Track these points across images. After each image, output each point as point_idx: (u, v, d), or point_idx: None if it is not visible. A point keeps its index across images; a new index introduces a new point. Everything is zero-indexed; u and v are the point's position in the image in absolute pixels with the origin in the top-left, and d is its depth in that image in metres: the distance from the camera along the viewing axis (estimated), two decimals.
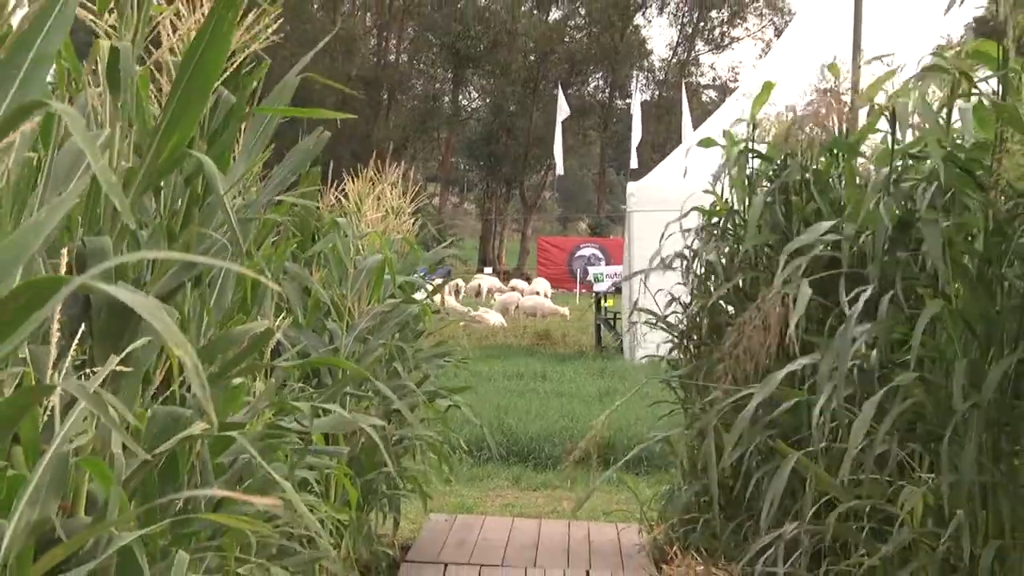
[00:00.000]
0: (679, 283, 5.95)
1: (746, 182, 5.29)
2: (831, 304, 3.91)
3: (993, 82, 3.40)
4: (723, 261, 5.47)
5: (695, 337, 6.24)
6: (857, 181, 4.51)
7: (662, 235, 5.89)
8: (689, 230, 5.86)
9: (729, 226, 5.54)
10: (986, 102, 3.29)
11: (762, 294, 3.93)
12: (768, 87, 5.45)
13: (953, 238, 3.17)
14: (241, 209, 3.78)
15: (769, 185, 5.12)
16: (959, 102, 3.46)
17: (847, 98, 4.72)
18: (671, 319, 6.41)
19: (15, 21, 2.24)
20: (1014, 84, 3.16)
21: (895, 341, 3.41)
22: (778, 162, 5.10)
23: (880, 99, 4.18)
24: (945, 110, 3.54)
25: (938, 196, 3.28)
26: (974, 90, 3.38)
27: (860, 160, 4.62)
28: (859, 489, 3.47)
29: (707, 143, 5.91)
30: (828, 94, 4.65)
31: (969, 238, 3.27)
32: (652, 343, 7.44)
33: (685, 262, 5.95)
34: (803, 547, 4.06)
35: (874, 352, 3.37)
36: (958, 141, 3.44)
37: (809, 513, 3.82)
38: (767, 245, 4.94)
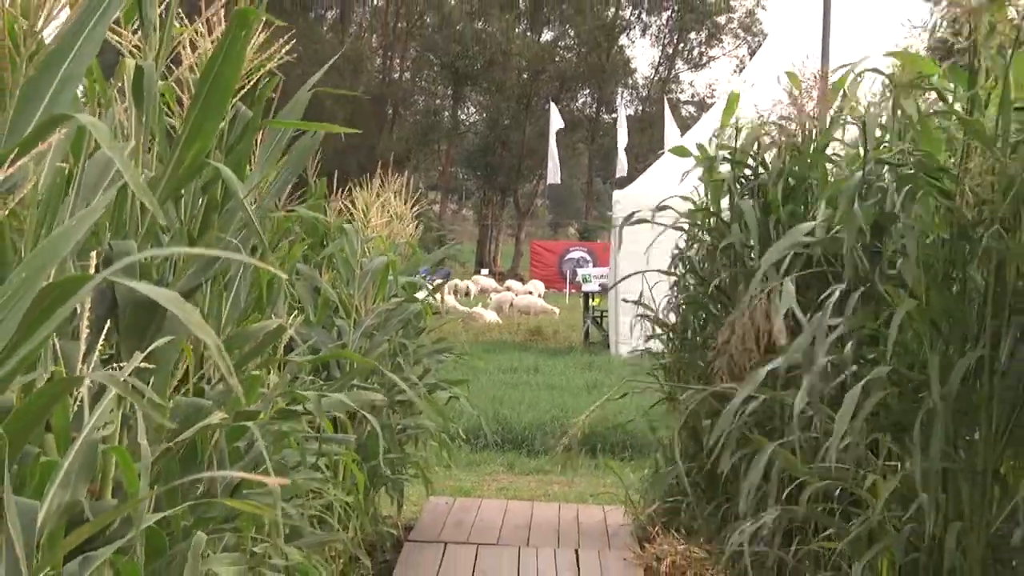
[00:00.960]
0: (667, 277, 5.94)
1: (720, 185, 5.29)
2: (807, 302, 3.92)
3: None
4: (704, 261, 5.47)
5: (680, 331, 6.24)
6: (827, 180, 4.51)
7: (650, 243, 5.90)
8: (674, 228, 5.85)
9: (708, 226, 5.54)
10: (955, 117, 3.29)
11: (749, 293, 3.93)
12: (734, 98, 5.46)
13: (922, 241, 3.17)
14: (257, 212, 3.77)
15: (740, 187, 5.12)
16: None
17: (810, 106, 4.73)
18: (660, 315, 6.41)
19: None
20: (981, 102, 3.17)
21: (869, 337, 3.41)
22: (751, 165, 5.09)
23: (850, 107, 4.20)
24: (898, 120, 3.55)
25: (909, 202, 3.28)
26: (941, 106, 3.38)
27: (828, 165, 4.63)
28: (828, 474, 3.47)
29: (680, 151, 5.92)
30: (793, 101, 4.67)
31: (935, 241, 3.27)
32: (636, 339, 7.43)
33: (672, 261, 5.95)
34: (776, 527, 4.07)
35: (848, 347, 3.37)
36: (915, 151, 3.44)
37: (783, 496, 3.83)
38: (745, 245, 4.93)
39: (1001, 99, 3.06)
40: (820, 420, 3.20)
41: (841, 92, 4.50)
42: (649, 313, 6.40)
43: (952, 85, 3.38)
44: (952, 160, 3.25)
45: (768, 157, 5.01)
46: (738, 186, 5.16)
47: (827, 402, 3.39)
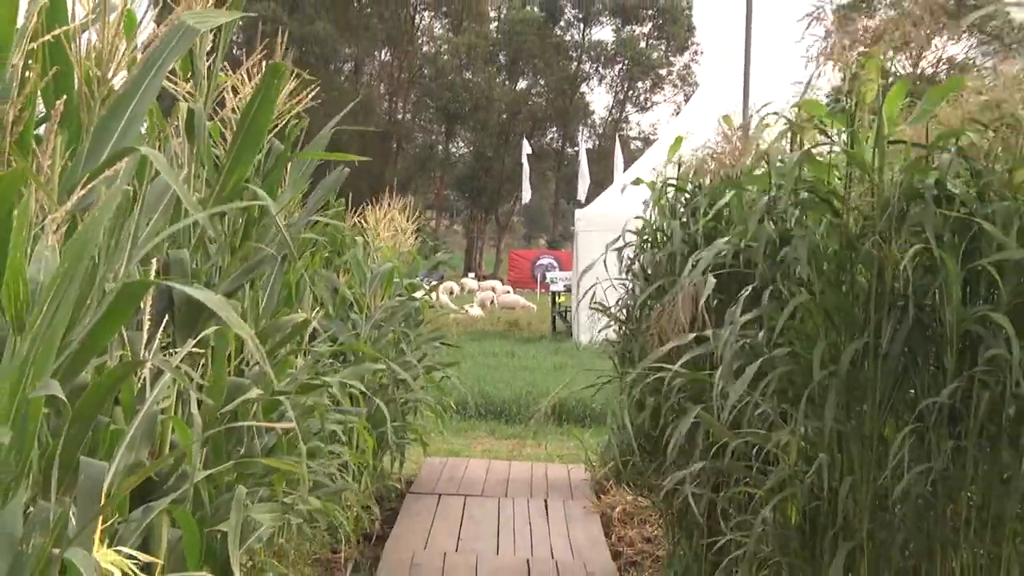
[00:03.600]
0: (620, 280, 5.95)
1: (667, 208, 5.31)
2: (727, 298, 3.94)
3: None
4: (648, 268, 5.48)
5: (629, 322, 6.25)
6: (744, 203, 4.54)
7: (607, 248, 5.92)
8: (627, 243, 5.86)
9: (654, 240, 5.55)
10: (838, 149, 3.31)
11: (679, 283, 3.97)
12: (679, 140, 5.49)
13: (817, 250, 3.19)
14: (288, 227, 3.77)
15: (683, 209, 5.14)
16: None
17: (736, 141, 4.75)
18: (613, 311, 6.42)
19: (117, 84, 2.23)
20: (858, 137, 3.19)
21: (772, 326, 3.42)
22: (689, 192, 5.12)
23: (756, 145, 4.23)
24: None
25: (803, 218, 3.31)
26: (826, 140, 3.40)
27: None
28: (745, 436, 3.49)
29: (638, 182, 5.95)
30: (724, 139, 4.69)
31: (827, 250, 3.29)
32: (593, 330, 7.43)
33: (623, 266, 5.96)
34: (705, 478, 4.09)
35: (760, 333, 3.39)
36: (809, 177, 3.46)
37: (710, 454, 3.85)
38: (681, 254, 4.95)
39: (877, 134, 3.09)
40: (734, 392, 3.21)
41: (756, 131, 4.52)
42: (603, 309, 6.41)
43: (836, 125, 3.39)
44: (839, 184, 3.27)
45: (705, 182, 5.04)
46: (679, 207, 5.18)
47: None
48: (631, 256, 5.83)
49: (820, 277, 3.16)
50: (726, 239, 3.85)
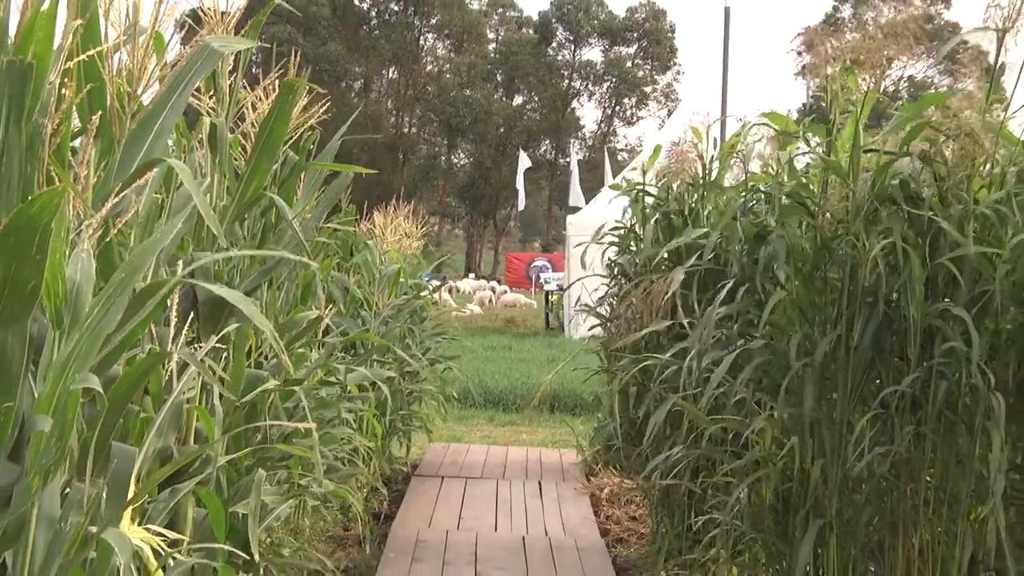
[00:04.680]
0: (603, 282, 5.95)
1: (642, 212, 5.32)
2: (703, 295, 3.96)
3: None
4: (630, 266, 5.48)
5: (613, 319, 6.25)
6: (718, 207, 4.54)
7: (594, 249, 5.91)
8: (610, 244, 5.87)
9: (632, 242, 5.56)
10: (815, 156, 3.32)
11: (648, 276, 4.00)
12: (657, 150, 5.49)
13: (793, 249, 3.19)
14: (302, 230, 3.77)
15: (654, 212, 5.15)
16: (782, 153, 3.50)
17: (702, 148, 4.76)
18: (599, 310, 6.42)
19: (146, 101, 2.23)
20: (836, 145, 3.19)
21: (750, 320, 3.43)
22: (661, 197, 5.13)
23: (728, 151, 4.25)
24: (777, 160, 3.59)
25: (780, 219, 3.31)
26: (805, 147, 3.40)
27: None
28: (722, 422, 3.49)
29: (616, 187, 5.95)
30: (688, 149, 4.71)
31: (803, 249, 3.29)
32: (584, 326, 7.44)
33: (608, 267, 5.96)
34: (685, 464, 4.09)
35: (735, 326, 3.39)
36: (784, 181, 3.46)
37: (689, 440, 3.85)
38: (656, 255, 4.96)
39: (852, 144, 3.09)
40: (713, 380, 3.21)
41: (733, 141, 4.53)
42: (588, 309, 6.41)
43: (814, 135, 3.40)
44: (815, 189, 3.28)
45: (674, 187, 5.05)
46: (654, 212, 5.19)
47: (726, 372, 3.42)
48: (610, 259, 5.84)
49: (796, 275, 3.16)
50: (703, 231, 3.86)
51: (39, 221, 1.47)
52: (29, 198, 1.50)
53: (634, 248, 5.45)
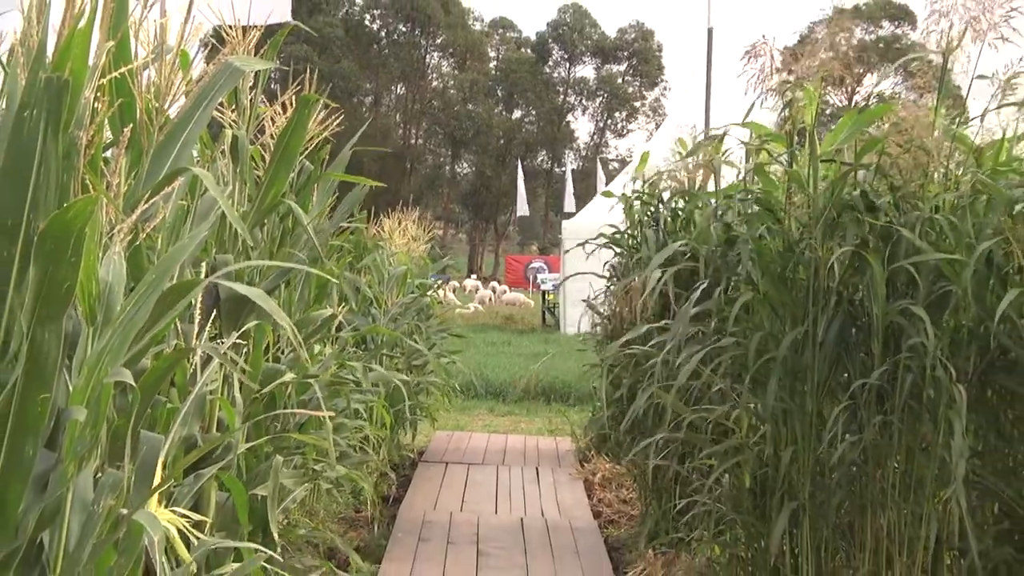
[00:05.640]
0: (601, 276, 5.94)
1: (635, 217, 5.32)
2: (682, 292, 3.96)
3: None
4: (625, 269, 5.48)
5: (607, 316, 6.25)
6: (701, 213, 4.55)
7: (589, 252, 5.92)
8: (601, 247, 5.86)
9: (628, 245, 5.56)
10: (780, 168, 3.32)
11: (631, 277, 4.00)
12: (645, 156, 5.49)
13: (763, 251, 3.19)
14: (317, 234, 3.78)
15: (648, 218, 5.15)
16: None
17: (691, 162, 4.76)
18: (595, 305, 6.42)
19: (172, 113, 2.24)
20: (796, 156, 3.20)
21: (726, 317, 3.43)
22: (654, 204, 5.13)
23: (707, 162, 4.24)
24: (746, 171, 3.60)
25: (750, 225, 3.31)
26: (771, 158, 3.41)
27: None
28: (701, 412, 3.49)
29: (607, 194, 5.95)
30: (680, 161, 4.71)
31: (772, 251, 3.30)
32: (577, 324, 7.43)
33: (605, 268, 5.96)
34: (671, 449, 4.09)
35: (713, 323, 3.39)
36: (755, 188, 3.47)
37: (670, 426, 3.85)
38: (650, 256, 4.96)
39: (810, 155, 3.09)
40: (683, 373, 3.21)
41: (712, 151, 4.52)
42: (591, 306, 6.41)
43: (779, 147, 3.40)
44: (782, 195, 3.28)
45: (665, 196, 5.04)
46: (646, 217, 5.19)
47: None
48: (607, 262, 5.84)
49: (765, 276, 3.16)
50: (681, 242, 3.86)
51: (74, 226, 1.48)
52: (64, 205, 1.50)
53: (625, 250, 5.46)
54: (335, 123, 3.56)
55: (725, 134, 3.70)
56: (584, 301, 6.13)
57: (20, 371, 1.50)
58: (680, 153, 4.71)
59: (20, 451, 1.52)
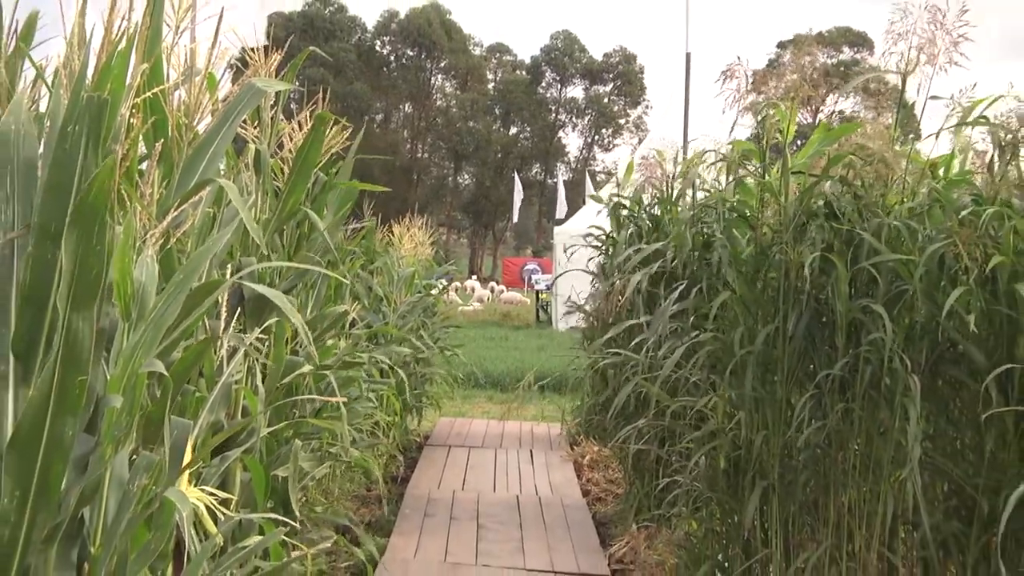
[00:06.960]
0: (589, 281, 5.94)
1: (617, 220, 5.32)
2: (660, 293, 3.96)
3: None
4: (608, 269, 5.48)
5: (594, 313, 6.25)
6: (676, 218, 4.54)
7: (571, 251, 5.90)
8: (587, 246, 5.85)
9: (610, 247, 5.56)
10: (752, 179, 3.32)
11: (612, 277, 3.99)
12: (630, 166, 5.48)
13: (738, 255, 3.20)
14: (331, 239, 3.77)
15: (629, 222, 5.15)
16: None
17: (668, 168, 4.76)
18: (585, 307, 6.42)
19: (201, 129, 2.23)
20: (769, 169, 3.20)
21: (704, 315, 3.43)
22: (635, 210, 5.13)
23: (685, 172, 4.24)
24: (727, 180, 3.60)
25: (726, 230, 3.31)
26: (745, 171, 3.40)
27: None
28: (681, 400, 3.49)
29: (595, 198, 5.95)
30: (655, 169, 4.71)
31: (744, 255, 3.30)
32: (568, 320, 7.44)
33: (591, 268, 5.96)
34: (653, 434, 4.09)
35: (691, 320, 3.39)
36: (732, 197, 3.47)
37: (651, 414, 3.85)
38: (627, 258, 4.96)
39: (782, 166, 3.09)
40: (667, 365, 3.21)
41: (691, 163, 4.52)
42: (577, 307, 6.41)
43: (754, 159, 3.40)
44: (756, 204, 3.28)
45: (645, 201, 5.05)
46: (627, 222, 5.18)
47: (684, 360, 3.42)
48: (594, 262, 5.84)
49: (740, 277, 3.16)
50: (658, 244, 3.86)
51: (97, 207, 1.47)
52: (86, 183, 1.49)
53: (611, 252, 5.45)
54: (346, 138, 3.56)
55: (709, 150, 3.69)
56: (566, 304, 6.13)
57: (58, 357, 1.49)
58: (661, 164, 4.70)
59: (60, 433, 1.51)
